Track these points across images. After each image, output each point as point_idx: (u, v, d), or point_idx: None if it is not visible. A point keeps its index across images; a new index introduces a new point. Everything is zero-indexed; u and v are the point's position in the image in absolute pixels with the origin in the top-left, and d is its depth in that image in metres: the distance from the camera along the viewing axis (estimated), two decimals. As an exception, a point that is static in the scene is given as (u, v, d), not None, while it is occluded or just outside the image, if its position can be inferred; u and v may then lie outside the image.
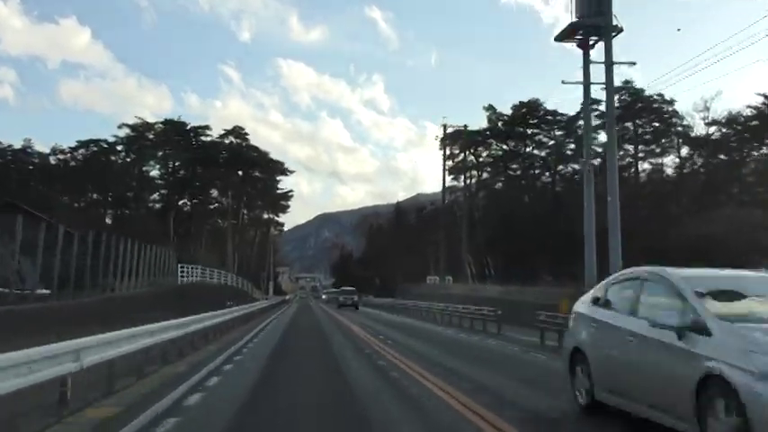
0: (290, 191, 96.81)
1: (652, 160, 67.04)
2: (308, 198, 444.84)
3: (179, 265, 37.58)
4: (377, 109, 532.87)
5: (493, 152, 75.98)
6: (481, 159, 75.79)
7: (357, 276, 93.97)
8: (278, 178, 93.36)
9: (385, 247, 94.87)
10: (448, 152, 70.23)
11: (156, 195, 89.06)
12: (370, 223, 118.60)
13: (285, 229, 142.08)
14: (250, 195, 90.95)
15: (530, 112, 72.48)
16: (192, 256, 67.02)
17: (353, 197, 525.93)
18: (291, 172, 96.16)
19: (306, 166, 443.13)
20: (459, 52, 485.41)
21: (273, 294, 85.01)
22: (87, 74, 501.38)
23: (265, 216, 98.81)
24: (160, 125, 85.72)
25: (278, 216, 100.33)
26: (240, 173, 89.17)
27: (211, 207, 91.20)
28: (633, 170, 67.03)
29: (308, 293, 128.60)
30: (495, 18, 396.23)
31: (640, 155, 66.26)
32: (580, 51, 27.41)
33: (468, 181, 72.30)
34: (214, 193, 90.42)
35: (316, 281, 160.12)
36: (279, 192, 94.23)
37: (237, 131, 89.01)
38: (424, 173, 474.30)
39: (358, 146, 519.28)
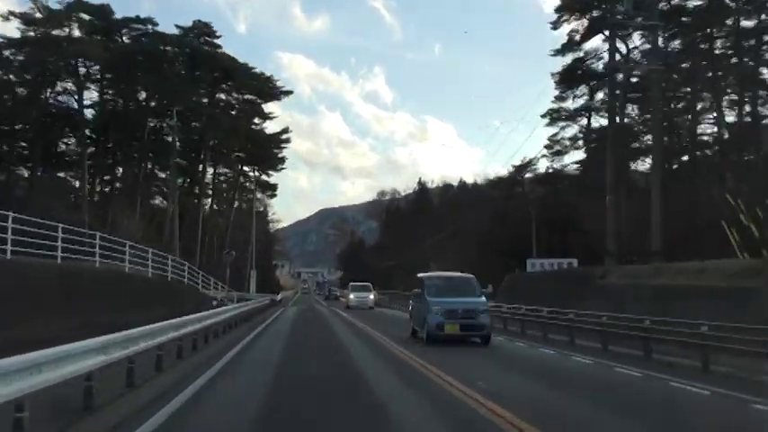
0: (286, 129, 63.18)
1: None
2: (309, 193, 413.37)
3: None
4: (377, 103, 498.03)
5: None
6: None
7: (373, 267, 74.54)
8: (267, 111, 59.89)
9: (411, 232, 72.43)
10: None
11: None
12: (387, 206, 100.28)
13: (285, 224, 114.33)
14: (221, 131, 56.10)
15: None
16: (127, 229, 38.48)
17: (353, 192, 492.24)
18: (288, 93, 62.07)
19: (306, 160, 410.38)
20: (460, 45, 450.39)
21: (257, 292, 51.05)
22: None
23: (251, 174, 65.27)
24: (72, 15, 52.02)
25: (268, 175, 66.59)
26: (205, 97, 55.60)
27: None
28: None
29: (311, 291, 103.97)
30: (494, 9, 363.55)
31: None
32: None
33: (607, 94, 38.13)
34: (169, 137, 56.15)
35: (319, 276, 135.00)
36: (267, 130, 60.50)
37: (202, 29, 55.06)
38: (424, 168, 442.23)
39: (357, 140, 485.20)
